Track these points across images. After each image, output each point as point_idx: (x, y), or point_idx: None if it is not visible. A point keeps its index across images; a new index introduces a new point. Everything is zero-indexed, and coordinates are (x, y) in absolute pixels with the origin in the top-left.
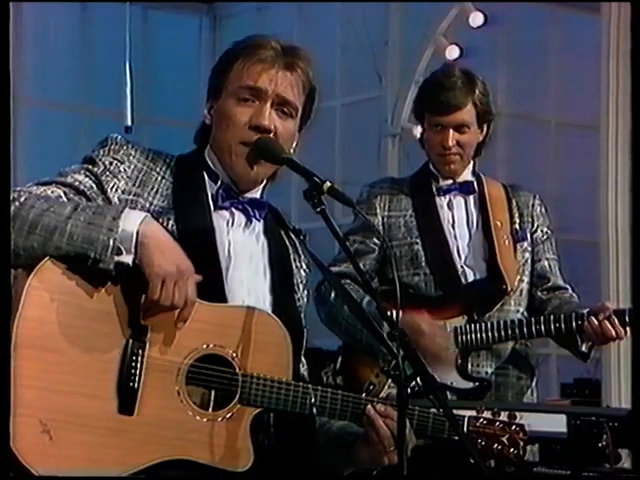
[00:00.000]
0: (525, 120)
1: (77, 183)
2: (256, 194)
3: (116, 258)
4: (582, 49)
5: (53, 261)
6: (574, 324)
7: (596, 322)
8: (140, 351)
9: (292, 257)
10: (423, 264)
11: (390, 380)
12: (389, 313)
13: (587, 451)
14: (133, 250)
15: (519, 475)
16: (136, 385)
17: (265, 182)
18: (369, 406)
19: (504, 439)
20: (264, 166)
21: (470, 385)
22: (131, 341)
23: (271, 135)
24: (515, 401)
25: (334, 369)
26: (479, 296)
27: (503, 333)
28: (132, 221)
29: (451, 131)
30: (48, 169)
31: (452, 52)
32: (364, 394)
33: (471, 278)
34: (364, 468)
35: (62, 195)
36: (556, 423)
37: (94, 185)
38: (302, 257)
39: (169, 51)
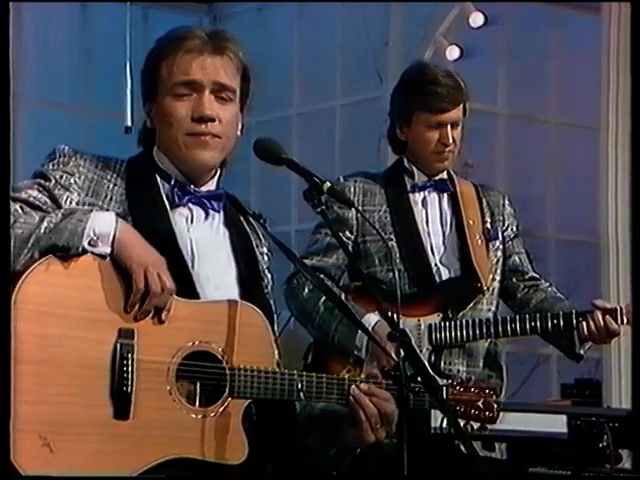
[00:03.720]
0: (525, 120)
1: (32, 199)
2: (211, 186)
3: (94, 250)
4: (582, 50)
5: (34, 274)
6: (574, 321)
7: (600, 318)
8: (129, 354)
9: (254, 243)
10: (397, 261)
11: (362, 376)
12: (390, 314)
13: (588, 451)
14: (110, 245)
15: (519, 475)
16: (129, 389)
17: (220, 172)
18: (353, 386)
19: (479, 404)
20: (213, 151)
21: (443, 382)
22: (119, 345)
23: (216, 123)
24: (519, 403)
25: (305, 364)
26: (454, 294)
27: (481, 331)
28: (105, 219)
29: (449, 128)
30: None
31: (452, 52)
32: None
33: (445, 276)
34: (349, 447)
35: (18, 209)
36: (557, 424)
37: (48, 200)
38: (263, 241)
39: None
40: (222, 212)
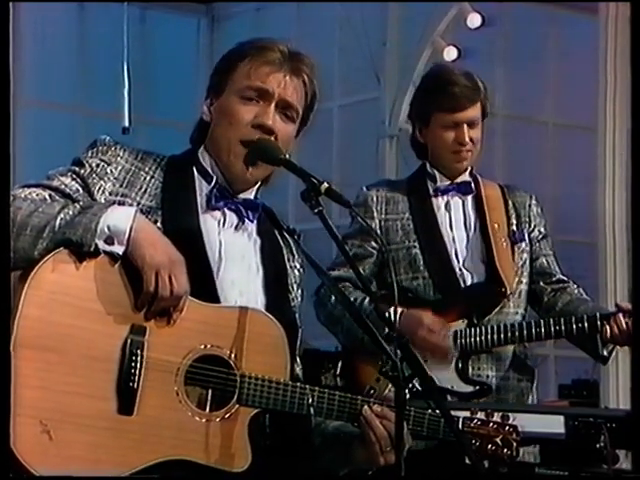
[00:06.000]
0: (523, 121)
1: (63, 186)
2: (250, 195)
3: (107, 248)
4: (580, 50)
5: (52, 261)
6: (598, 324)
7: (623, 320)
8: (139, 351)
9: (286, 257)
10: (421, 268)
11: (390, 385)
12: (387, 315)
13: (585, 452)
14: (125, 243)
15: (518, 475)
16: (135, 385)
17: (259, 184)
18: (365, 407)
19: (498, 440)
20: (260, 168)
21: (470, 389)
22: (130, 341)
23: (272, 137)
24: (516, 403)
25: (334, 373)
26: (478, 299)
27: (506, 336)
28: (123, 215)
29: (465, 127)
30: (46, 170)
31: (450, 53)
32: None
33: (470, 281)
34: (360, 468)
35: (47, 198)
36: (554, 424)
37: (80, 188)
38: (296, 257)
39: (167, 52)
40: (256, 222)
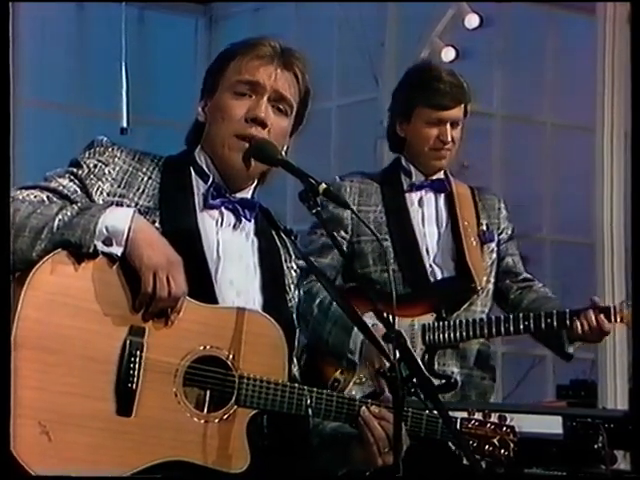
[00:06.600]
0: (521, 121)
1: (61, 188)
2: (247, 194)
3: (106, 249)
4: (578, 51)
5: (50, 263)
6: (567, 320)
7: (593, 317)
8: (138, 352)
9: (283, 258)
10: (392, 260)
11: (355, 377)
12: (385, 315)
13: (583, 452)
14: (124, 243)
15: (515, 476)
16: (134, 386)
17: (256, 183)
18: (364, 407)
19: (495, 440)
20: (257, 162)
21: (436, 382)
22: (129, 342)
23: (265, 130)
24: (479, 400)
25: (298, 365)
26: (448, 294)
27: (475, 330)
28: (121, 216)
29: (448, 126)
30: (44, 170)
31: (448, 54)
32: (328, 390)
33: (439, 276)
34: (358, 469)
35: (45, 199)
36: (552, 424)
37: (78, 189)
38: (293, 257)
39: (165, 52)
40: (253, 222)
